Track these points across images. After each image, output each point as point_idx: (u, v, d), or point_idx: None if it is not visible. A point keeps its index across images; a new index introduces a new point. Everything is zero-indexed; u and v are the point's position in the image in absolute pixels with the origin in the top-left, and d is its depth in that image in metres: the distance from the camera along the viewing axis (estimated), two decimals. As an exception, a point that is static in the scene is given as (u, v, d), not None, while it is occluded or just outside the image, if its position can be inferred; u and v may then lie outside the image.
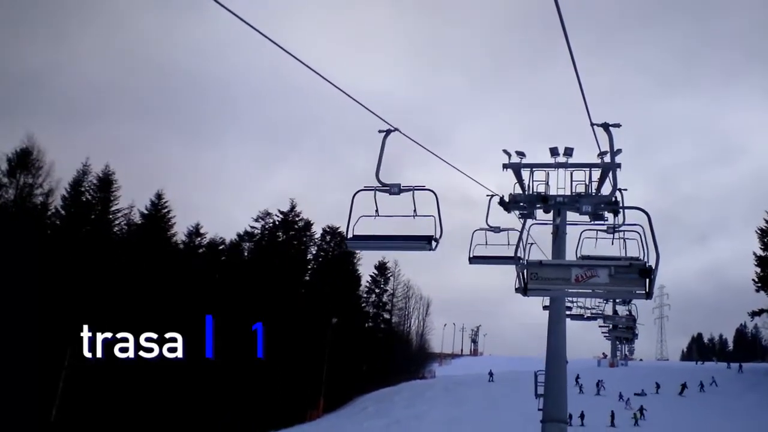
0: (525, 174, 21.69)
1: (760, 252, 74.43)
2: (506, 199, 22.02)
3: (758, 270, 74.07)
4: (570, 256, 20.01)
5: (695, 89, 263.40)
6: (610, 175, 19.47)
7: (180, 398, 51.73)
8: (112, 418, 48.51)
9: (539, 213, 22.13)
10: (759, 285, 73.50)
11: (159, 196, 61.75)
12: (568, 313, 38.84)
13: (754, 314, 76.86)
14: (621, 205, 19.65)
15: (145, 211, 60.26)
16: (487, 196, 21.75)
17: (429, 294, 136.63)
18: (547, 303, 23.22)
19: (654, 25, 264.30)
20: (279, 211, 71.93)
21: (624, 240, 19.46)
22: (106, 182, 58.22)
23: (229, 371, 55.02)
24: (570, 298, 36.31)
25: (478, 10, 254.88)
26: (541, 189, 21.66)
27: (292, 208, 72.45)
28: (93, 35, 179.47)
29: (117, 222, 57.91)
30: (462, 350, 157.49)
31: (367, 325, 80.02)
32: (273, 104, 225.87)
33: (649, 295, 9.60)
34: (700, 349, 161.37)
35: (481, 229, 20.39)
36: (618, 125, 16.47)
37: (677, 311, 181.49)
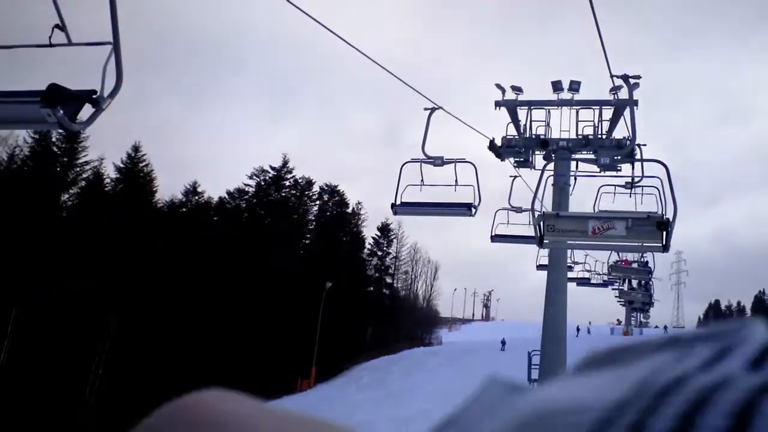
0: (522, 114, 18.42)
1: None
2: (498, 142, 18.52)
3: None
4: (575, 209, 17.30)
5: (706, 48, 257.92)
6: (625, 118, 16.92)
7: (160, 367, 48.91)
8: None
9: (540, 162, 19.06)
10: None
11: (136, 149, 58.08)
12: (574, 276, 35.70)
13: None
14: (640, 156, 17.74)
15: (121, 165, 56.51)
16: (425, 109, 18.62)
17: (438, 258, 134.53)
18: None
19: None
20: (270, 167, 68.24)
21: (642, 194, 17.25)
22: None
23: (213, 339, 52.17)
24: (579, 264, 33.11)
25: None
26: (541, 132, 18.50)
27: (285, 164, 68.67)
28: None
29: (84, 175, 54.23)
30: (473, 315, 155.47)
31: (369, 289, 76.52)
32: (276, 60, 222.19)
33: (666, 248, 9.13)
34: (717, 316, 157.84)
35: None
36: (638, 77, 15.31)
37: (693, 276, 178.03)
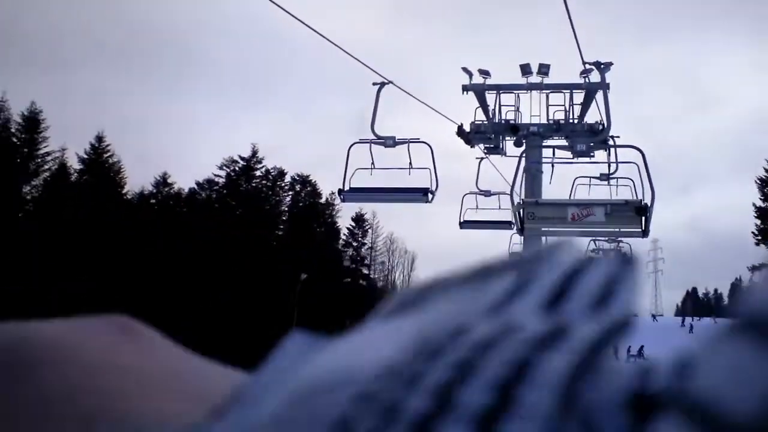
0: (490, 99, 17.70)
1: (760, 203, 70.11)
2: (466, 128, 17.84)
3: (758, 222, 69.91)
4: (547, 198, 16.79)
5: (675, 36, 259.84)
6: (597, 102, 16.46)
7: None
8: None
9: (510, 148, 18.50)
10: (759, 238, 69.48)
11: (99, 139, 56.38)
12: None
13: (754, 269, 72.48)
14: (613, 143, 16.99)
15: (84, 156, 55.00)
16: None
17: (416, 248, 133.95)
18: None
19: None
20: (240, 156, 67.00)
21: (617, 184, 16.94)
22: (32, 122, 52.74)
23: (181, 333, 51.20)
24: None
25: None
26: (511, 117, 17.85)
27: (254, 154, 67.48)
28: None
29: (46, 166, 52.85)
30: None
31: (346, 280, 75.77)
32: (248, 50, 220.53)
33: (645, 233, 9.18)
34: (695, 304, 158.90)
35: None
36: (610, 63, 15.22)
37: (670, 264, 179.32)
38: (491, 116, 17.73)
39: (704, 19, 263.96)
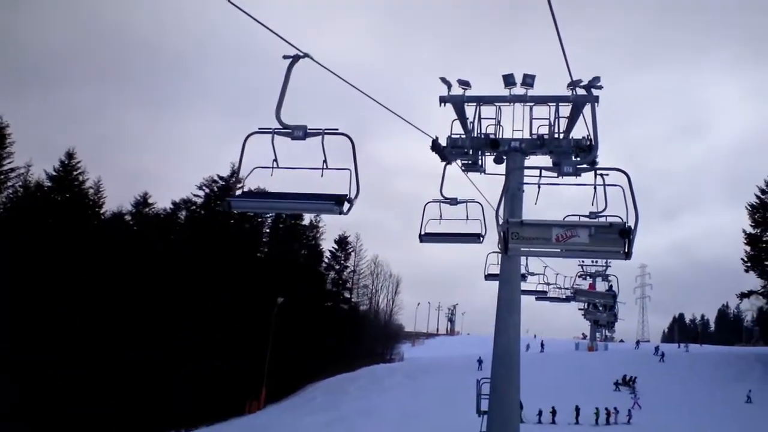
0: (470, 111, 16.28)
1: (750, 229, 68.78)
2: (443, 142, 16.40)
3: (747, 248, 68.66)
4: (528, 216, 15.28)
5: (666, 63, 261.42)
6: (584, 117, 14.99)
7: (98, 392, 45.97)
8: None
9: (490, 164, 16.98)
10: (748, 264, 68.21)
11: (70, 155, 54.34)
12: (531, 289, 33.65)
13: (743, 296, 71.34)
14: (597, 163, 15.18)
15: (53, 173, 52.82)
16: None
17: (400, 271, 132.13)
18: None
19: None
20: (218, 176, 65.29)
21: (606, 201, 15.43)
22: (-3, 136, 51.20)
23: (161, 358, 49.33)
24: (536, 275, 30.85)
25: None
26: (491, 131, 16.19)
27: (233, 173, 65.85)
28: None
29: (10, 183, 50.85)
30: (438, 330, 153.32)
31: (327, 304, 73.95)
32: (237, 73, 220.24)
33: (628, 255, 9.31)
34: (681, 330, 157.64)
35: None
36: (600, 87, 14.61)
37: (657, 290, 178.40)
38: (470, 130, 16.33)
39: (694, 45, 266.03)
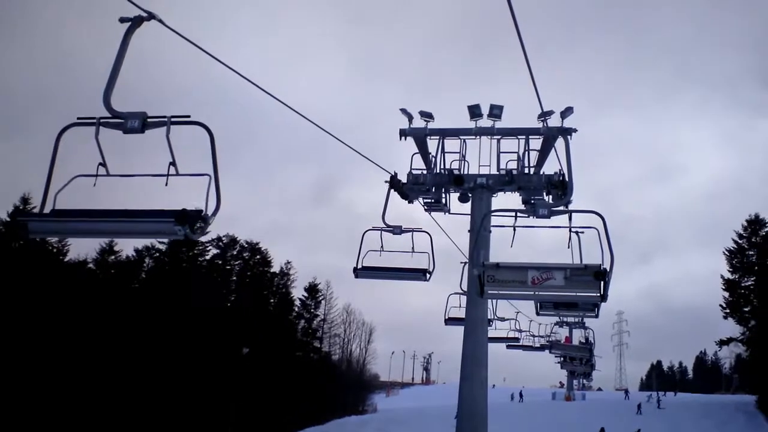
0: (432, 146, 15.16)
1: (727, 274, 67.73)
2: (403, 179, 15.06)
3: (726, 294, 67.53)
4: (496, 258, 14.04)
5: (630, 107, 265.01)
6: (556, 151, 14.06)
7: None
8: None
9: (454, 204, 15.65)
10: (727, 311, 66.96)
11: (25, 200, 51.60)
12: (516, 343, 32.25)
13: (722, 343, 69.64)
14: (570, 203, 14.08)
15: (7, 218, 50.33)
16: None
17: (374, 318, 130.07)
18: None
19: (583, 43, 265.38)
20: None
21: (579, 244, 14.23)
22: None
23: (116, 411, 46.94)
24: (506, 321, 29.51)
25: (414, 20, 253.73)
26: (456, 166, 15.08)
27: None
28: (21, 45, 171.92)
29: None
30: (413, 379, 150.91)
31: (297, 354, 71.74)
32: (206, 119, 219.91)
33: (603, 298, 9.13)
34: (659, 377, 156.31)
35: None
36: (574, 130, 13.58)
37: (634, 336, 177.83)
38: (433, 165, 14.99)
39: (665, 88, 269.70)
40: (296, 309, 75.89)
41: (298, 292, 77.14)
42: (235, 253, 68.50)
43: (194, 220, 5.68)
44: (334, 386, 76.33)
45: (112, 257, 61.19)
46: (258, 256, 69.37)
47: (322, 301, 79.85)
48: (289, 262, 75.17)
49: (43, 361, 44.80)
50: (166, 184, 6.10)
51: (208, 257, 65.53)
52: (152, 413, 48.36)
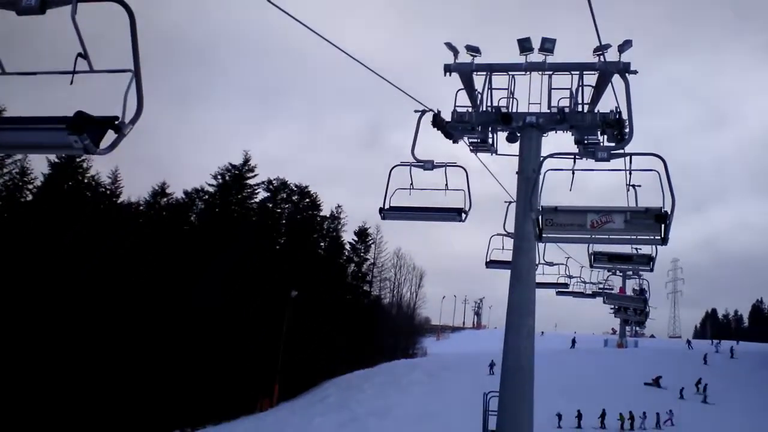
0: (479, 82, 14.02)
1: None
2: (447, 117, 14.18)
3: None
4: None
5: (687, 52, 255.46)
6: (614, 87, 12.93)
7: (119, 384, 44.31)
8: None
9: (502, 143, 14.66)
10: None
11: None
12: (566, 290, 31.24)
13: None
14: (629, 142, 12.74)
15: (56, 160, 50.69)
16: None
17: (425, 264, 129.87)
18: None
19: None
20: (230, 164, 63.37)
21: (635, 190, 13.27)
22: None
23: (169, 352, 47.63)
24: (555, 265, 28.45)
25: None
26: (503, 103, 13.78)
27: (246, 162, 63.89)
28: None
29: (6, 170, 48.99)
30: (464, 323, 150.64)
31: (347, 297, 71.95)
32: (261, 63, 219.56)
33: (664, 241, 9.00)
34: (714, 326, 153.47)
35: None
36: (634, 71, 12.66)
37: (688, 284, 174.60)
38: (479, 103, 14.05)
39: (724, 33, 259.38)
40: (346, 253, 76.10)
41: (348, 236, 77.57)
42: (284, 196, 68.58)
43: (98, 128, 4.45)
44: (383, 329, 76.60)
45: (164, 200, 62.05)
46: (308, 200, 69.42)
47: (372, 245, 79.97)
48: (339, 206, 75.33)
49: (102, 300, 45.63)
50: (71, 83, 4.66)
51: (257, 200, 65.88)
52: (203, 356, 49.02)
